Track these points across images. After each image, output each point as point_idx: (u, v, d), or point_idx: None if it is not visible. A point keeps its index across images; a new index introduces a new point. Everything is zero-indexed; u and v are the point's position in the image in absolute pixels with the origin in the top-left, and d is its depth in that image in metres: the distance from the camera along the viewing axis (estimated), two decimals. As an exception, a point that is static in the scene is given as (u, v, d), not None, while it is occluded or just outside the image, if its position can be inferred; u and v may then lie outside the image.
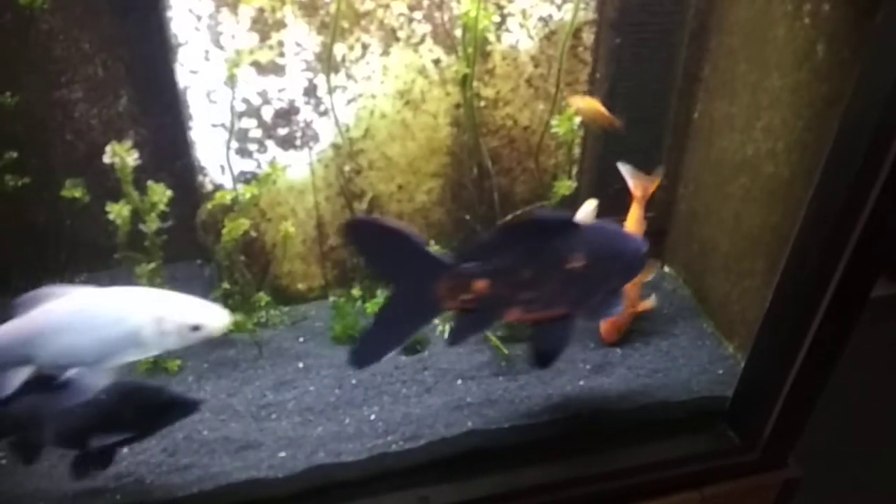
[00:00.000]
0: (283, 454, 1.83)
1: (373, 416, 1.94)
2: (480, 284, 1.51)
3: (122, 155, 1.84)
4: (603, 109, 1.98)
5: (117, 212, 1.90)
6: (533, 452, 1.88)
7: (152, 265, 2.00)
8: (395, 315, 1.56)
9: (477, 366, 2.09)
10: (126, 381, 1.61)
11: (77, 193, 2.02)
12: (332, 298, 2.39)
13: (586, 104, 1.99)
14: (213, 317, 1.56)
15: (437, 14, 2.00)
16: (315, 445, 1.85)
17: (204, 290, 2.38)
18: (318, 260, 2.36)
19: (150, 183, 1.94)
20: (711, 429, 2.02)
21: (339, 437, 1.88)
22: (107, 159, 1.84)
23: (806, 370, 1.81)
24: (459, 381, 2.04)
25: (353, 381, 2.06)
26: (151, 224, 1.96)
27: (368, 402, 1.99)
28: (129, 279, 2.39)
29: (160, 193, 1.94)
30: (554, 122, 1.96)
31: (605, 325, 2.16)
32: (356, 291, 2.33)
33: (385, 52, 2.05)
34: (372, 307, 2.25)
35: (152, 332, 1.51)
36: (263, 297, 2.22)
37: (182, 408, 1.68)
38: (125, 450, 1.84)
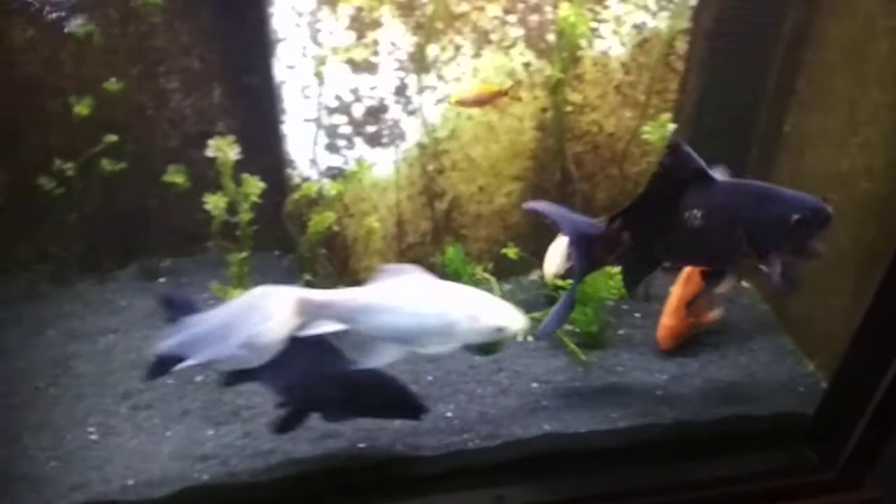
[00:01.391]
0: (362, 445, 1.86)
1: (449, 414, 1.96)
2: (624, 237, 1.65)
3: (224, 149, 1.89)
4: (491, 86, 2.01)
5: (214, 203, 1.94)
6: (608, 459, 1.88)
7: (243, 255, 2.05)
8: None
9: (553, 370, 2.10)
10: (378, 369, 1.70)
11: (178, 179, 2.08)
12: (406, 295, 2.42)
13: (471, 91, 2.02)
14: (516, 320, 1.67)
15: (530, 18, 2.01)
16: (393, 439, 1.88)
17: (283, 280, 2.44)
18: (396, 257, 2.39)
19: (245, 175, 1.98)
20: (789, 446, 1.99)
21: (416, 431, 1.91)
22: (209, 153, 1.89)
23: (892, 392, 1.77)
24: (535, 384, 2.05)
25: (430, 378, 2.08)
26: (245, 215, 2.00)
27: (444, 399, 2.01)
28: (214, 266, 2.47)
29: (254, 186, 1.98)
30: (647, 128, 1.96)
31: (661, 332, 2.15)
32: (432, 290, 2.36)
33: (476, 54, 2.07)
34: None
35: (465, 328, 1.63)
36: (343, 290, 2.25)
37: (412, 410, 1.76)
38: (210, 432, 1.90)
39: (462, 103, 2.05)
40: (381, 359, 1.65)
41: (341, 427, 1.92)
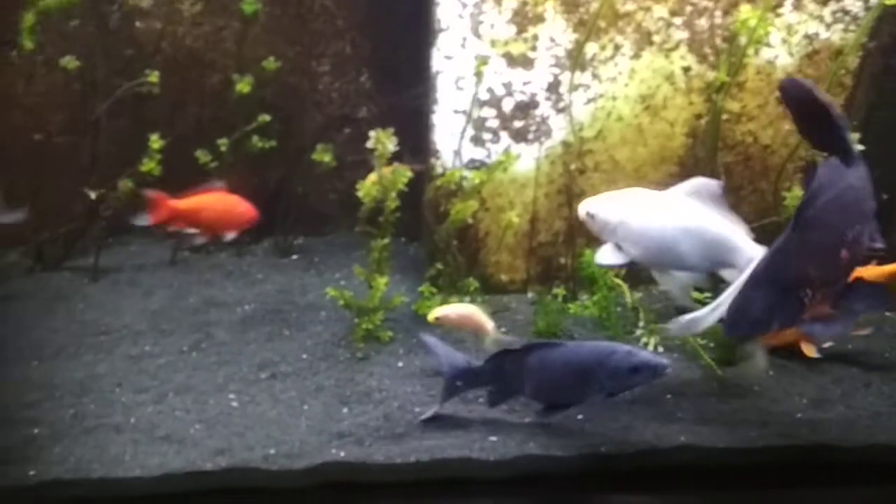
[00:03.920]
0: (493, 438, 1.86)
1: (580, 416, 1.94)
2: None
3: (384, 141, 1.91)
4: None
5: (367, 190, 1.97)
6: (745, 477, 1.84)
7: (385, 241, 2.07)
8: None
9: (686, 382, 2.05)
10: (598, 343, 1.81)
11: (326, 158, 2.12)
12: (530, 294, 2.41)
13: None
14: None
15: (697, 21, 1.98)
16: (525, 436, 1.87)
17: (410, 266, 2.47)
18: (525, 254, 2.38)
19: (395, 164, 2.00)
20: (934, 481, 1.90)
21: (547, 431, 1.89)
22: (370, 145, 1.92)
23: None
24: (669, 396, 2.01)
25: (559, 378, 2.07)
26: (391, 203, 2.02)
27: (575, 401, 2.00)
28: (344, 247, 2.52)
29: (403, 175, 2.00)
30: None
31: None
32: (560, 291, 2.34)
33: (636, 55, 2.05)
34: (575, 308, 2.25)
35: None
36: (473, 282, 2.26)
37: (651, 370, 1.76)
38: (345, 410, 1.93)
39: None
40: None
41: (470, 418, 1.92)
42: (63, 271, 2.34)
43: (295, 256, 2.52)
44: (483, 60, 1.97)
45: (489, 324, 1.99)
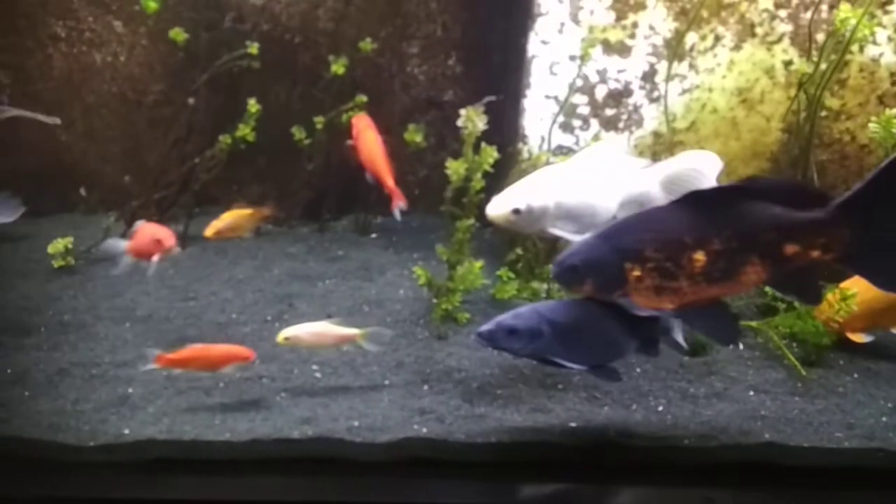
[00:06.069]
0: (573, 424, 1.86)
1: (660, 408, 1.93)
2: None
3: (475, 119, 1.92)
4: (242, 212, 2.12)
5: (455, 169, 1.97)
6: (829, 478, 1.81)
7: (470, 222, 2.07)
8: None
9: (770, 381, 2.02)
10: None
11: (417, 138, 2.13)
12: (606, 284, 2.40)
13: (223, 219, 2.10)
14: None
15: (803, 15, 1.94)
16: (604, 424, 1.87)
17: (486, 250, 2.47)
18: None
19: (483, 145, 2.00)
20: None
21: (627, 421, 1.88)
22: (460, 123, 1.92)
23: None
24: (752, 393, 1.98)
25: (638, 370, 2.05)
26: (476, 184, 2.02)
27: (654, 393, 1.98)
28: (422, 229, 2.54)
29: (490, 155, 2.00)
30: (872, 124, 1.79)
31: None
32: (638, 281, 2.32)
33: (736, 47, 2.02)
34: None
35: None
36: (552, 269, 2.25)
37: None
38: (425, 387, 1.94)
39: (218, 234, 2.12)
40: None
41: (549, 403, 1.92)
42: (154, 238, 2.40)
43: (374, 235, 2.55)
44: (591, 42, 1.95)
45: (350, 330, 1.91)
